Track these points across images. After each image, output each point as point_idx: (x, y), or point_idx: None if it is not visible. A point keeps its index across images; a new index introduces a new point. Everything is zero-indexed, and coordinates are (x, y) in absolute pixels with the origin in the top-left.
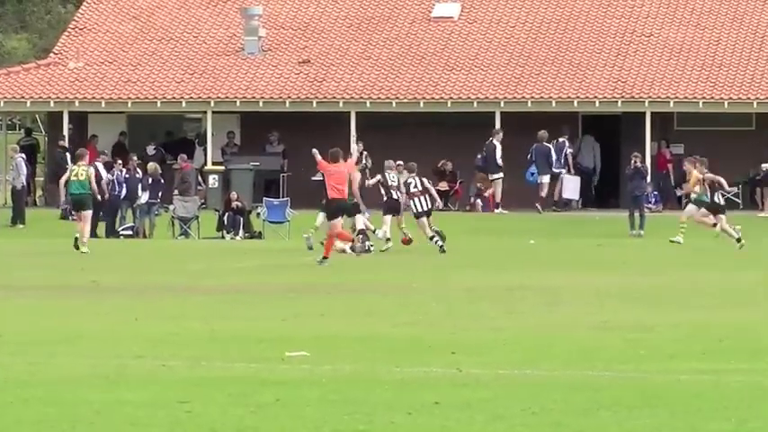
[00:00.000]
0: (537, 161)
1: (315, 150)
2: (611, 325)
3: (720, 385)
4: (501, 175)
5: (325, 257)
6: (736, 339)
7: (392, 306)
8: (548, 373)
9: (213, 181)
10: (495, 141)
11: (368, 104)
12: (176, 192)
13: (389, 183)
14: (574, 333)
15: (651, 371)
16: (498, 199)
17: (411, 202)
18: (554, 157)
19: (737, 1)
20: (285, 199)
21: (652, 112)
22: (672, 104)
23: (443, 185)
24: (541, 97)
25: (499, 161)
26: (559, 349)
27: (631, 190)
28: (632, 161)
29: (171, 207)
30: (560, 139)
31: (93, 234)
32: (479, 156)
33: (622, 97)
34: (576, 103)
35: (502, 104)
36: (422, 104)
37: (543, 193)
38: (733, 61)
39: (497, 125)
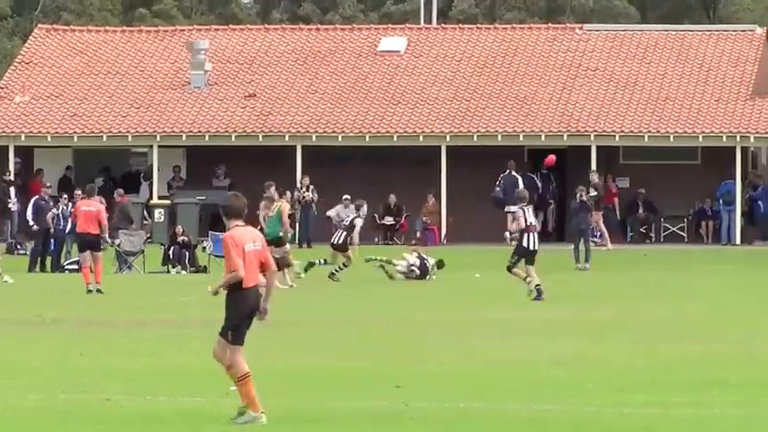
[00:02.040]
0: (507, 190)
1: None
2: (558, 358)
3: (669, 418)
4: (516, 208)
5: None
6: (683, 371)
7: (338, 339)
8: (496, 407)
9: (159, 215)
10: (514, 173)
11: (314, 138)
12: (117, 226)
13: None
14: (522, 366)
15: (599, 404)
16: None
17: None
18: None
19: (683, 35)
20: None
21: (598, 146)
22: (617, 138)
23: (389, 219)
24: (487, 131)
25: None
26: (507, 383)
27: (577, 223)
28: (577, 195)
29: (116, 241)
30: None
31: (41, 268)
32: (497, 188)
33: (568, 131)
34: (521, 137)
35: (448, 138)
36: (368, 138)
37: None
38: (679, 95)
39: (443, 159)
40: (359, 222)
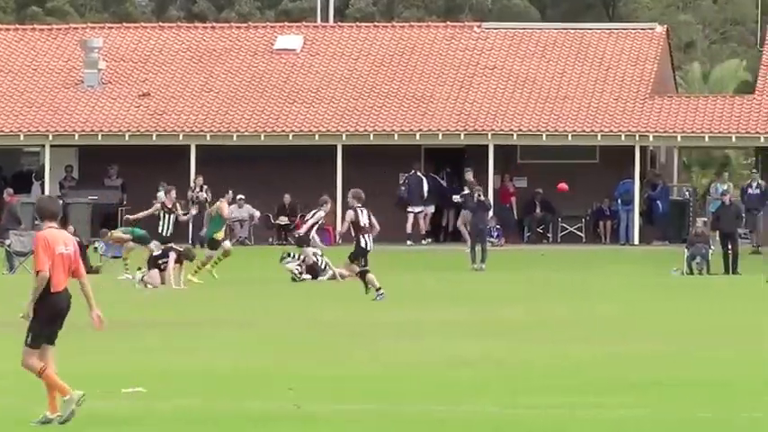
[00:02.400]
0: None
1: None
2: (461, 359)
3: (575, 419)
4: (422, 208)
5: None
6: (589, 372)
7: (236, 340)
8: (391, 408)
9: None
10: (419, 173)
11: (208, 138)
12: (6, 227)
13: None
14: (422, 367)
15: (503, 405)
16: (423, 232)
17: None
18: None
19: (582, 33)
20: (142, 233)
21: (495, 145)
22: (515, 137)
23: (283, 219)
24: (384, 130)
25: (425, 194)
26: (409, 385)
27: (474, 223)
28: (475, 194)
29: (7, 242)
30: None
31: None
32: (402, 188)
33: (465, 130)
34: (418, 136)
35: (344, 138)
36: (263, 137)
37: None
38: (577, 94)
39: (339, 158)
40: (320, 215)
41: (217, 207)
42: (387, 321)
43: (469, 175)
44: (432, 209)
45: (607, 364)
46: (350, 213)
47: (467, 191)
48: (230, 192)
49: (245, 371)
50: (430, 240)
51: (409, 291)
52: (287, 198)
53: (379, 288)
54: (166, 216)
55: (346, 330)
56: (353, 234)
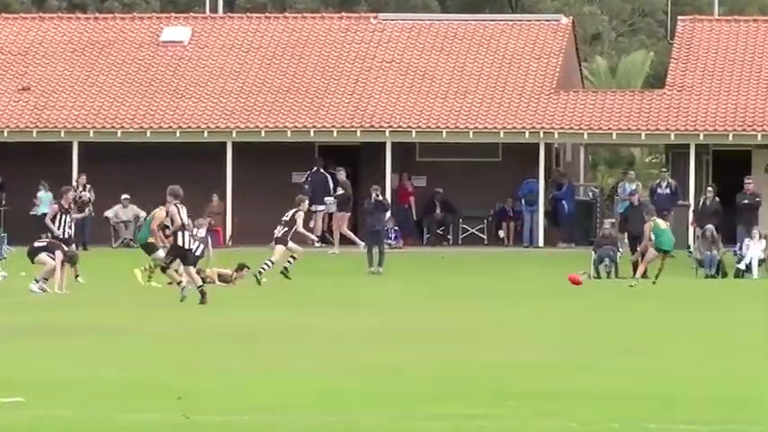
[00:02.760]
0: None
1: None
2: (350, 367)
3: (456, 430)
4: (323, 207)
5: None
6: (479, 381)
7: (120, 347)
8: (279, 419)
9: None
10: (322, 170)
11: (92, 134)
12: None
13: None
14: (311, 375)
15: (390, 416)
16: (318, 232)
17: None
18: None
19: (484, 25)
20: (2, 234)
21: (393, 143)
22: (414, 134)
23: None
24: (276, 127)
25: (332, 192)
26: (296, 393)
27: (371, 224)
28: (372, 194)
29: None
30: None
31: None
32: (305, 187)
33: (362, 127)
34: (312, 133)
35: (234, 134)
36: (149, 134)
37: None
38: (479, 89)
39: (229, 156)
40: (300, 216)
41: (153, 213)
42: (276, 328)
43: (342, 176)
44: (333, 207)
45: (498, 373)
46: (170, 210)
47: (341, 191)
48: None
49: (130, 380)
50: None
51: (301, 295)
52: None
53: (182, 282)
54: (63, 217)
55: (234, 337)
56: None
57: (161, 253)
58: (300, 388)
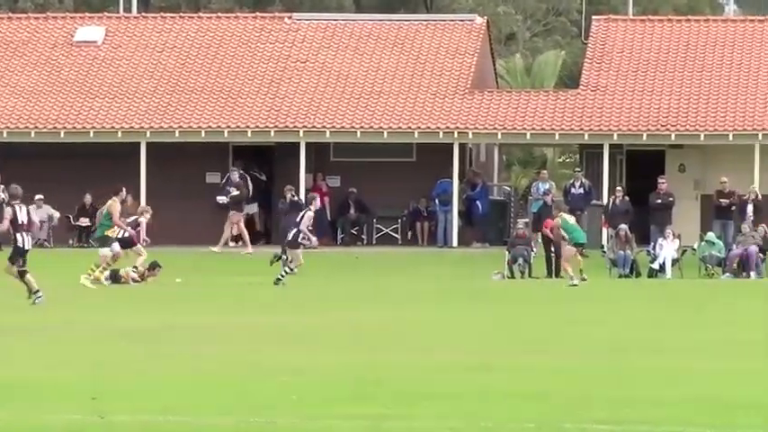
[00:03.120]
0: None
1: None
2: (263, 367)
3: (377, 430)
4: (242, 211)
5: None
6: (396, 382)
7: (31, 348)
8: (194, 420)
9: None
10: (241, 171)
11: (5, 135)
12: None
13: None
14: (224, 376)
15: (303, 416)
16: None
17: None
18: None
19: (398, 25)
20: None
21: (307, 143)
22: (328, 134)
23: (84, 221)
24: (190, 127)
25: (249, 192)
26: (208, 393)
27: (286, 225)
28: (287, 195)
29: None
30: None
31: None
32: (227, 188)
33: (276, 127)
34: (226, 133)
35: (148, 134)
36: (63, 134)
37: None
38: (393, 89)
39: (143, 156)
40: (308, 216)
41: (108, 205)
42: (187, 327)
43: (235, 175)
44: (254, 208)
45: (415, 373)
46: (8, 211)
47: (235, 191)
48: (124, 190)
49: (46, 380)
50: (239, 243)
51: (214, 295)
52: (88, 198)
53: (38, 291)
54: None
55: (146, 337)
56: (11, 233)
57: (107, 251)
58: (213, 388)
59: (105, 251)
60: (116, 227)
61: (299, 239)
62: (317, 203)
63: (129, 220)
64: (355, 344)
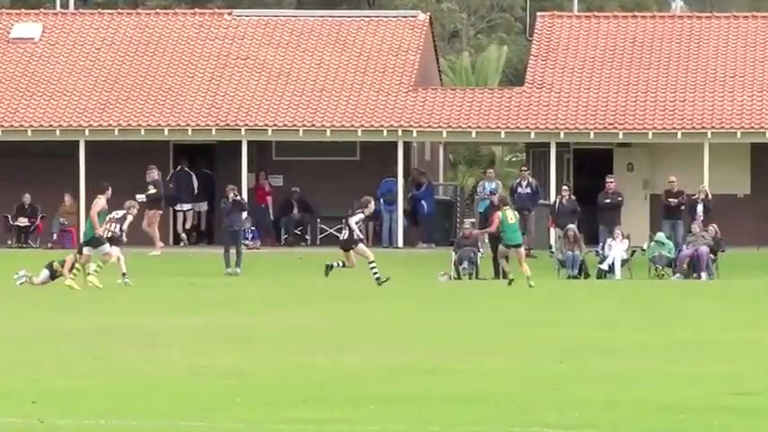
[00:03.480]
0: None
1: None
2: (206, 370)
3: None
4: (191, 206)
5: None
6: (340, 385)
7: None
8: (136, 424)
9: None
10: (186, 169)
11: None
12: None
13: None
14: (167, 379)
15: (248, 420)
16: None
17: None
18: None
19: (340, 21)
20: None
21: (249, 141)
22: (270, 133)
23: (23, 221)
24: (129, 125)
25: (195, 190)
26: (151, 397)
27: (229, 225)
28: (229, 194)
29: None
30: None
31: None
32: (170, 185)
33: (217, 125)
34: (166, 132)
35: (87, 133)
36: (0, 133)
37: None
38: (336, 86)
39: (82, 154)
40: (355, 218)
41: (94, 203)
42: (127, 330)
43: (154, 173)
44: (204, 206)
45: (359, 376)
46: None
47: (152, 190)
48: (110, 189)
49: None
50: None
51: (154, 297)
52: (27, 197)
53: None
54: None
55: (85, 339)
56: None
57: (106, 248)
58: (155, 392)
59: (105, 248)
60: (107, 224)
61: (354, 237)
62: (372, 207)
63: (118, 215)
64: (299, 345)
